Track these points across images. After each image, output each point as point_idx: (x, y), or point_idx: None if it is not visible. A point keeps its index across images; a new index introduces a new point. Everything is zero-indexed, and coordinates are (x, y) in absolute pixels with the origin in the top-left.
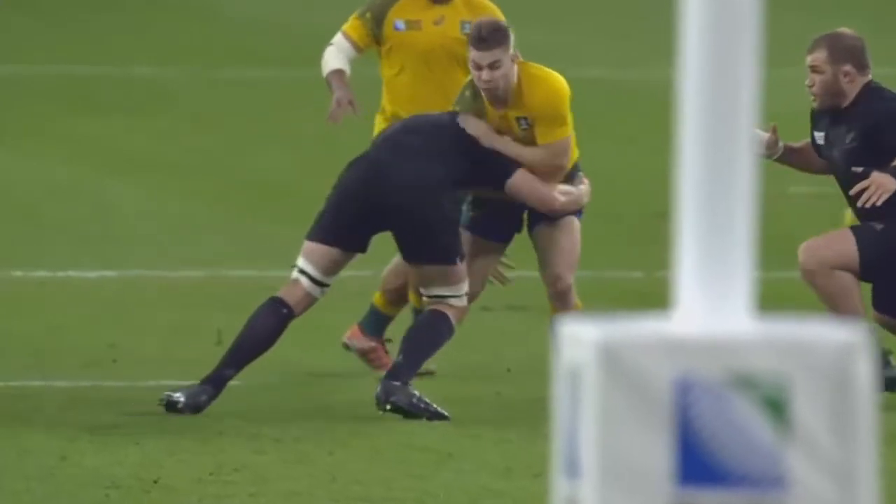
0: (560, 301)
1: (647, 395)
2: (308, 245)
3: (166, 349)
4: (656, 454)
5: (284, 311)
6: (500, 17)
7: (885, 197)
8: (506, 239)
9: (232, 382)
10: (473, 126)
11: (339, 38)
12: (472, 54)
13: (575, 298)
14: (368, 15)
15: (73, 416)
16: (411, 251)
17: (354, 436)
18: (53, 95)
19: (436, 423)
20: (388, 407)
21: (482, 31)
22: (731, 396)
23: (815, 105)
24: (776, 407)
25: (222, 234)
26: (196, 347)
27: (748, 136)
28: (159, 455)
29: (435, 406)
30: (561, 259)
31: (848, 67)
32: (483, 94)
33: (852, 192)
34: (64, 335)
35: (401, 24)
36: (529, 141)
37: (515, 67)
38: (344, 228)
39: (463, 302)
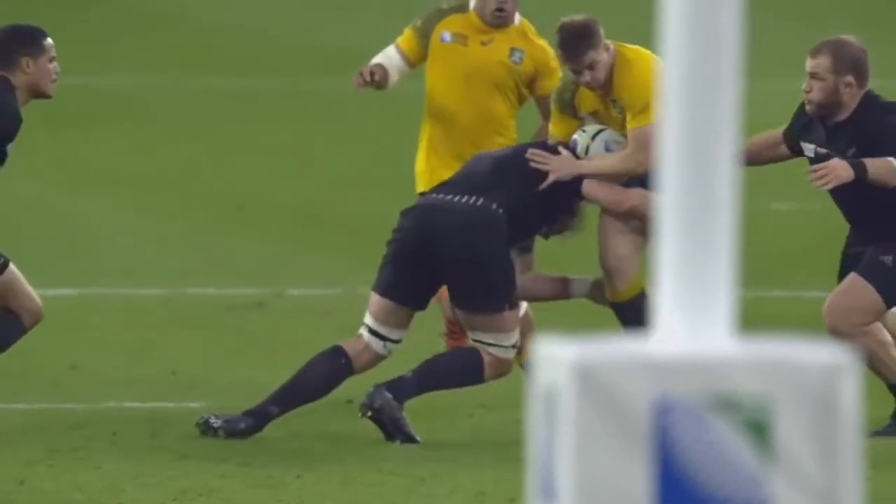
0: (613, 288)
1: (625, 417)
2: (371, 296)
3: (129, 370)
4: (635, 479)
5: (342, 361)
6: (551, 50)
7: (834, 183)
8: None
9: (197, 405)
10: (558, 167)
11: (388, 48)
12: (567, 63)
13: (625, 285)
14: (419, 23)
15: (33, 440)
16: (455, 294)
17: (324, 459)
18: None
19: (407, 446)
20: (369, 414)
21: (568, 41)
22: (712, 419)
23: (809, 110)
24: (759, 430)
25: (189, 250)
26: (159, 368)
27: (729, 154)
28: (121, 479)
29: (413, 433)
30: (608, 246)
31: (850, 78)
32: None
33: (814, 170)
34: (25, 356)
35: (447, 36)
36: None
37: (610, 54)
38: (397, 280)
39: (506, 354)
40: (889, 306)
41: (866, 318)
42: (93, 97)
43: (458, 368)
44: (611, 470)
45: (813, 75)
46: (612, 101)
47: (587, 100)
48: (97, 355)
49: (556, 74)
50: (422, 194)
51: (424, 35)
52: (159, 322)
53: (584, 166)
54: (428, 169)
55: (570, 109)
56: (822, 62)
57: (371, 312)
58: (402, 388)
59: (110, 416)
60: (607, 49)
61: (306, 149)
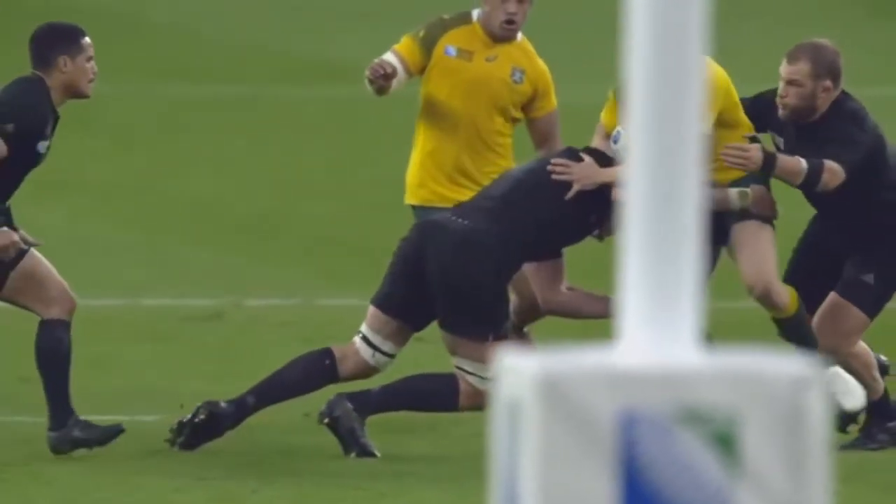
0: (767, 302)
1: (590, 430)
2: (370, 306)
3: (83, 382)
4: (600, 493)
5: (327, 362)
6: (548, 72)
7: (742, 166)
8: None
9: (152, 418)
10: (580, 176)
11: (388, 55)
12: None
13: (781, 297)
14: (422, 34)
15: None
16: (440, 315)
17: (281, 473)
18: None
19: (367, 460)
20: (326, 421)
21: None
22: (678, 432)
23: (782, 115)
24: (725, 442)
25: (145, 261)
26: (113, 381)
27: (695, 165)
28: (73, 495)
29: (371, 446)
30: (747, 265)
31: (828, 83)
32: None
33: (734, 147)
34: None
35: (452, 50)
36: None
37: None
38: (390, 292)
39: (484, 385)
40: (873, 319)
41: (857, 338)
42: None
43: (431, 392)
44: (575, 484)
45: (791, 82)
46: None
47: None
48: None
49: (552, 97)
50: (412, 207)
51: (427, 46)
52: (114, 333)
53: (608, 174)
54: (418, 182)
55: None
56: (802, 68)
57: (366, 319)
58: (367, 402)
59: None
60: None
61: (263, 158)
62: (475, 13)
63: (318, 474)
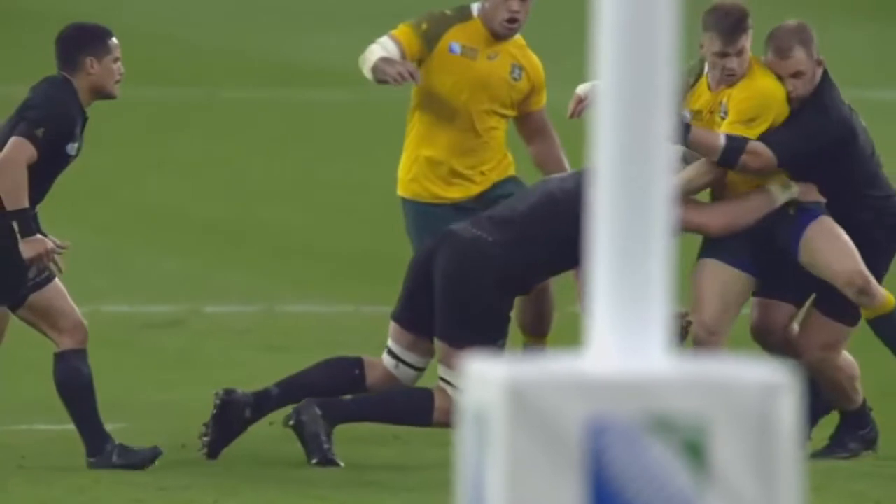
0: (863, 298)
1: (557, 438)
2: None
3: (40, 391)
4: (568, 502)
5: (356, 371)
6: (541, 67)
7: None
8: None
9: (112, 426)
10: None
11: (385, 40)
12: (717, 43)
13: (879, 291)
14: (425, 26)
15: None
16: (438, 323)
17: (245, 482)
18: None
19: (331, 469)
20: (291, 423)
21: (726, 16)
22: (647, 440)
23: (794, 107)
24: (695, 451)
25: (103, 267)
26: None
27: (664, 170)
28: None
29: (334, 455)
30: (834, 262)
31: (818, 56)
32: (717, 80)
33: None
34: None
35: (457, 48)
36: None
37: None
38: (405, 302)
39: None
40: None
41: (843, 347)
42: (1, 108)
43: (405, 406)
44: (543, 493)
45: (795, 75)
46: (721, 103)
47: (700, 97)
48: (6, 375)
49: (545, 92)
50: (402, 199)
51: (429, 41)
52: None
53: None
54: (410, 176)
55: None
56: (799, 57)
57: (391, 332)
58: (337, 409)
59: (20, 439)
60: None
61: (223, 162)
62: (475, 8)
63: (281, 483)
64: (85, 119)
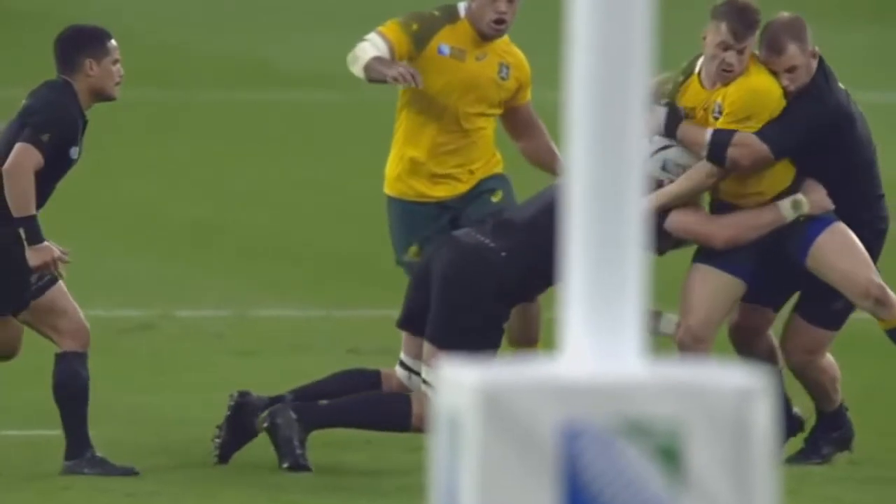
0: (880, 310)
1: (532, 443)
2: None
3: (9, 396)
4: None
5: (372, 383)
6: (526, 61)
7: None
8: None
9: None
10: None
11: (374, 37)
12: (726, 34)
13: (892, 298)
14: (415, 27)
15: None
16: (430, 324)
17: (215, 488)
18: None
19: (303, 474)
20: (265, 426)
21: (746, 13)
22: (622, 445)
23: (791, 99)
24: (670, 456)
25: (74, 270)
26: (44, 393)
27: (638, 175)
28: None
29: (306, 460)
30: (848, 273)
31: (812, 48)
32: (714, 74)
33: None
34: None
35: (446, 49)
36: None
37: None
38: (410, 308)
39: None
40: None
41: (826, 351)
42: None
43: (382, 411)
44: (517, 498)
45: (790, 69)
46: (716, 102)
47: (692, 94)
48: None
49: (530, 87)
50: (388, 197)
51: (419, 42)
52: (42, 345)
53: (661, 195)
54: (395, 175)
55: (654, 100)
56: (793, 52)
57: (403, 341)
58: (313, 414)
59: None
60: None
61: (196, 164)
62: (461, 8)
63: (252, 488)
64: (85, 122)
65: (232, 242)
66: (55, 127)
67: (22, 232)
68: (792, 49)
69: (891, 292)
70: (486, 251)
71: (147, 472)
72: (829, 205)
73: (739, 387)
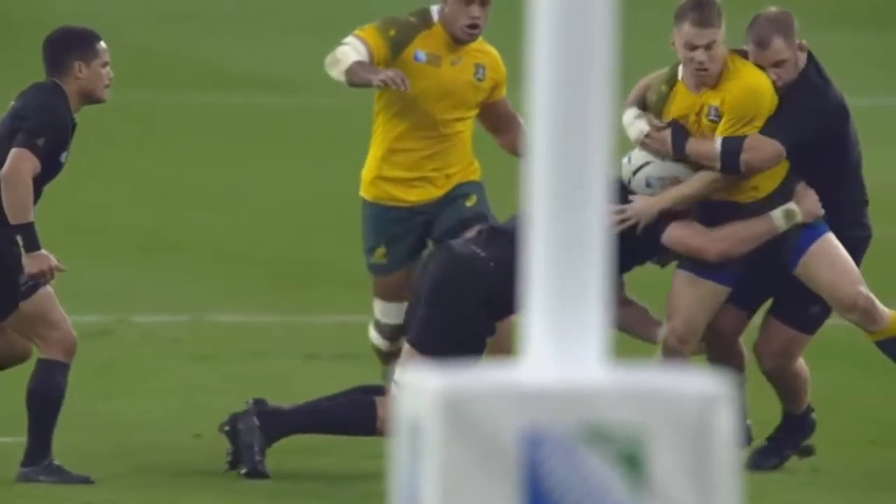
0: (869, 323)
1: (493, 450)
2: None
3: None
4: None
5: (375, 397)
6: (499, 56)
7: (656, 148)
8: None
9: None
10: (640, 213)
11: (354, 41)
12: (688, 33)
13: (880, 311)
14: (393, 33)
15: None
16: (414, 327)
17: (172, 495)
18: None
19: (261, 481)
20: (227, 429)
21: (697, 6)
22: (584, 451)
23: (780, 96)
24: (632, 462)
25: None
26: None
27: (600, 178)
28: None
29: (264, 467)
30: (836, 285)
31: (800, 42)
32: (691, 75)
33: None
34: None
35: (422, 56)
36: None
37: (726, 53)
38: (411, 321)
39: None
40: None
41: (800, 355)
42: None
43: (348, 415)
44: None
45: (777, 63)
46: (709, 105)
47: (679, 103)
48: None
49: (506, 82)
50: (363, 201)
51: (396, 48)
52: None
53: (662, 200)
54: (371, 178)
55: (637, 104)
56: (779, 45)
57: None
58: (277, 420)
59: None
60: (723, 43)
61: (151, 169)
62: (434, 11)
63: (210, 494)
64: (74, 125)
65: (188, 246)
66: (49, 131)
67: (19, 239)
68: (778, 43)
69: (879, 304)
70: (477, 261)
71: (104, 479)
72: (820, 211)
73: (702, 393)
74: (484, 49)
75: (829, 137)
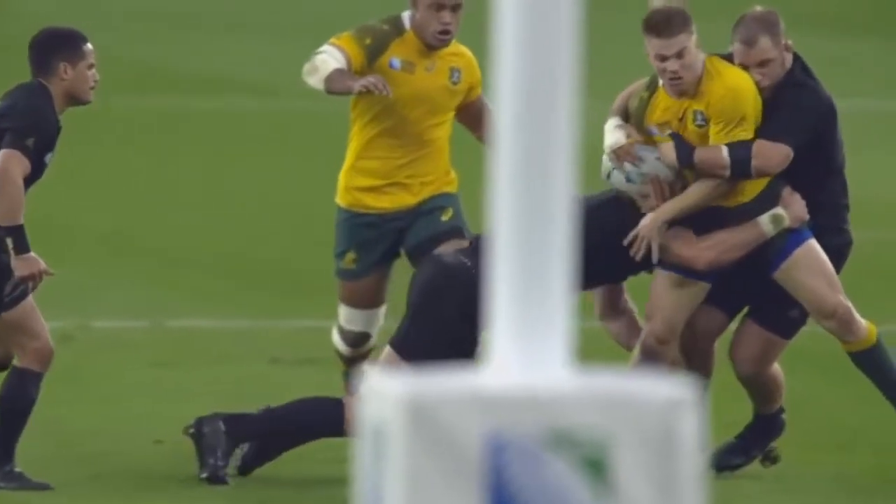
0: (845, 333)
1: (457, 455)
2: None
3: None
4: None
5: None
6: (472, 56)
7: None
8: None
9: None
10: (650, 230)
11: (332, 50)
12: (656, 44)
13: (857, 322)
14: (368, 41)
15: None
16: (396, 331)
17: (131, 499)
18: None
19: (222, 487)
20: (192, 432)
21: (659, 17)
22: (547, 456)
23: (765, 96)
24: (596, 467)
25: None
26: None
27: (565, 183)
28: None
29: (225, 473)
30: (817, 292)
31: (786, 42)
32: (667, 86)
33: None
34: None
35: (396, 63)
36: (705, 138)
37: (701, 56)
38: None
39: None
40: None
41: (776, 361)
42: None
43: (315, 415)
44: None
45: (762, 63)
46: (694, 111)
47: (660, 109)
48: None
49: (481, 83)
50: (338, 208)
51: (372, 56)
52: None
53: (665, 213)
54: (344, 185)
55: (619, 113)
56: (765, 44)
57: None
58: (243, 425)
59: None
60: (698, 47)
61: (112, 173)
62: (405, 18)
63: (169, 500)
64: (59, 127)
65: (149, 251)
66: (39, 131)
67: (10, 241)
68: (764, 42)
69: (857, 315)
70: (463, 270)
71: (63, 485)
72: (806, 216)
73: (667, 398)
74: (458, 52)
75: (819, 138)
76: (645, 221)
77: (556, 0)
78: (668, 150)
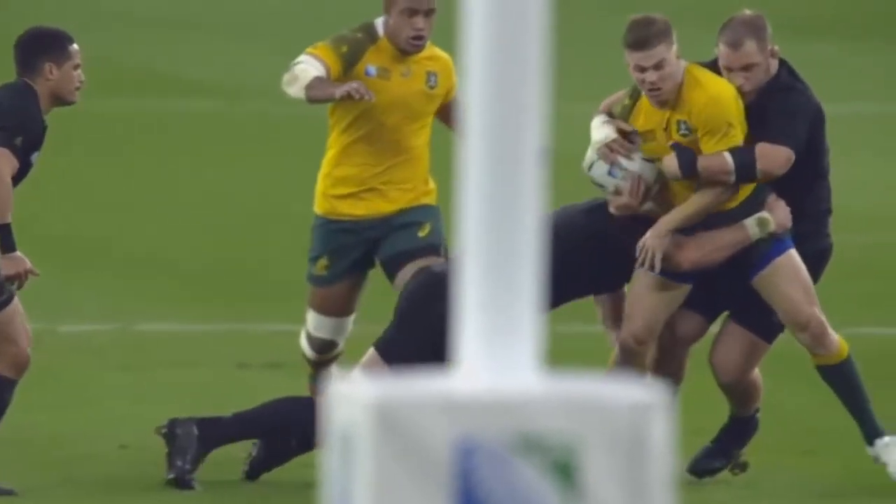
0: (817, 346)
1: (425, 460)
2: None
3: None
4: None
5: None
6: (449, 59)
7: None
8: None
9: None
10: (656, 242)
11: (310, 59)
12: (632, 57)
13: (830, 336)
14: (345, 49)
15: None
16: (382, 333)
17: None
18: None
19: (189, 493)
20: (164, 432)
21: (637, 29)
22: (516, 461)
23: (748, 101)
24: (565, 472)
25: None
26: None
27: (534, 186)
28: None
29: (192, 477)
30: (793, 302)
31: (771, 47)
32: (648, 97)
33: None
34: None
35: (372, 70)
36: (692, 146)
37: (681, 65)
38: None
39: None
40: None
41: (757, 365)
42: None
43: (290, 419)
44: None
45: (746, 67)
46: (678, 121)
47: (646, 116)
48: None
49: (457, 84)
50: (315, 215)
51: (349, 64)
52: None
53: (669, 223)
54: (321, 191)
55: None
56: (750, 48)
57: None
58: (216, 429)
59: None
60: (678, 56)
61: (78, 176)
62: (379, 24)
63: None
64: (45, 127)
65: (115, 256)
66: (26, 131)
67: None
68: (750, 45)
69: (830, 330)
70: (450, 280)
71: (28, 490)
72: (790, 223)
73: (636, 402)
74: (434, 56)
75: (808, 142)
76: (649, 235)
77: (523, 5)
78: (670, 161)
